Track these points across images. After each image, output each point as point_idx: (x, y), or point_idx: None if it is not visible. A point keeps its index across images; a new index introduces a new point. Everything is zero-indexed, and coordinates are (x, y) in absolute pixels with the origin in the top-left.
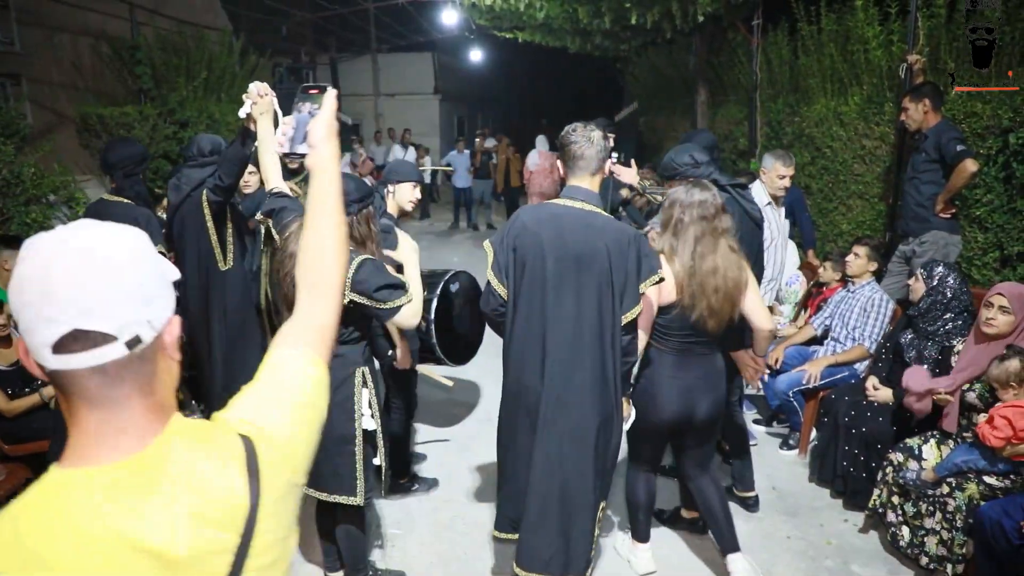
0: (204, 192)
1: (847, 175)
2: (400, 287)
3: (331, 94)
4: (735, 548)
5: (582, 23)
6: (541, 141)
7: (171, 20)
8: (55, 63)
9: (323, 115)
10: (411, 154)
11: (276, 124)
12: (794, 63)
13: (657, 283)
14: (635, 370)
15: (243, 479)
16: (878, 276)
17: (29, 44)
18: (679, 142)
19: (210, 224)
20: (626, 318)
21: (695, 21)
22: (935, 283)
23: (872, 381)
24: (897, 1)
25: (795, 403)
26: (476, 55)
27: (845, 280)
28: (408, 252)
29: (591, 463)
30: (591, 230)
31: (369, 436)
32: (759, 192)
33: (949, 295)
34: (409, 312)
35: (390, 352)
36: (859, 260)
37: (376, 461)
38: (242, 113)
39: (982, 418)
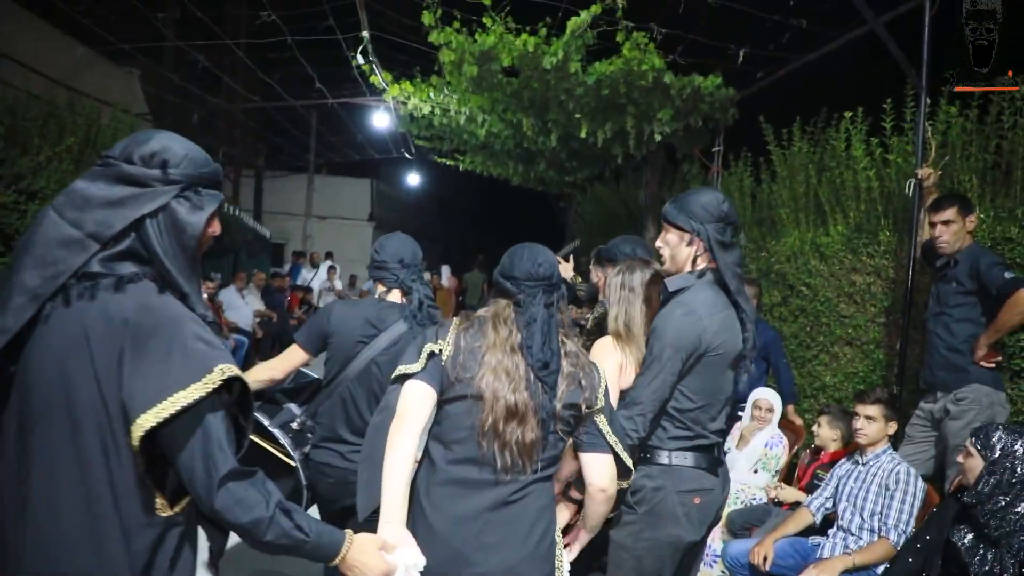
0: None
1: (831, 317)
2: None
3: None
4: None
5: (527, 137)
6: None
7: (47, 80)
8: None
9: None
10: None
11: None
12: (758, 192)
13: None
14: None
15: None
16: (894, 442)
17: None
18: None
19: None
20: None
21: (649, 144)
22: (997, 455)
23: None
24: (892, 115)
25: None
26: (415, 181)
27: (849, 447)
28: None
29: None
30: None
31: None
32: None
33: (1021, 471)
34: None
35: None
36: (875, 425)
37: None
38: None
39: None
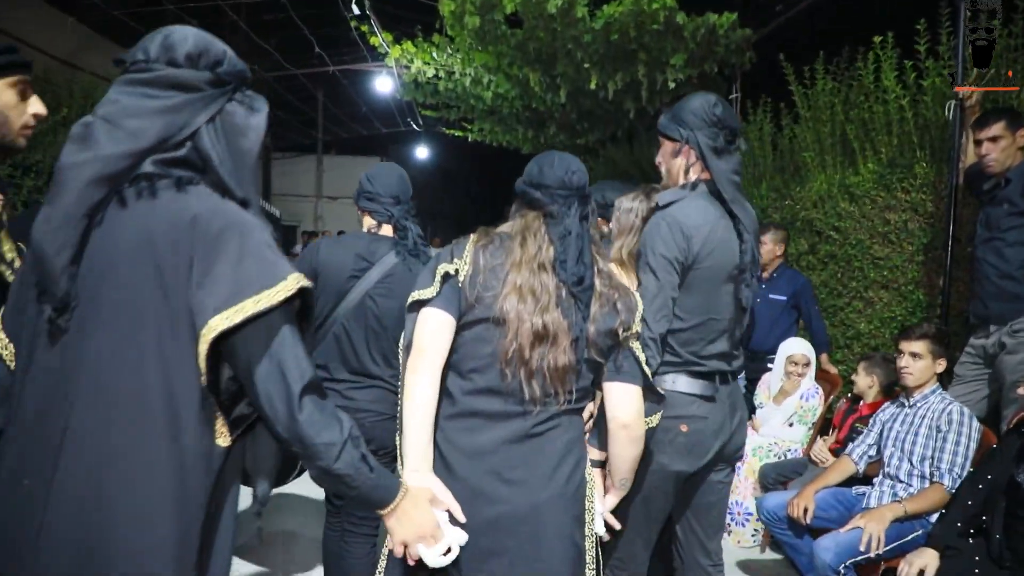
0: None
1: (864, 260)
2: None
3: None
4: None
5: (535, 96)
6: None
7: (53, 62)
8: None
9: None
10: None
11: None
12: (779, 139)
13: None
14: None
15: None
16: (941, 382)
17: None
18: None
19: None
20: None
21: (663, 95)
22: None
23: None
24: (927, 36)
25: None
26: (425, 157)
27: (891, 391)
28: None
29: None
30: None
31: None
32: None
33: None
34: None
35: None
36: (921, 362)
37: None
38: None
39: None
